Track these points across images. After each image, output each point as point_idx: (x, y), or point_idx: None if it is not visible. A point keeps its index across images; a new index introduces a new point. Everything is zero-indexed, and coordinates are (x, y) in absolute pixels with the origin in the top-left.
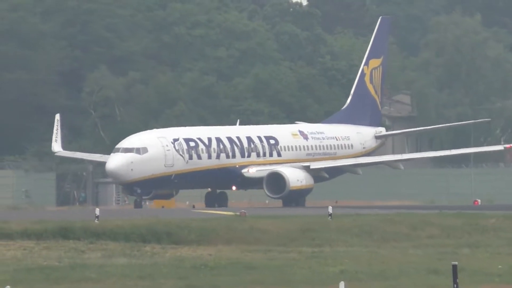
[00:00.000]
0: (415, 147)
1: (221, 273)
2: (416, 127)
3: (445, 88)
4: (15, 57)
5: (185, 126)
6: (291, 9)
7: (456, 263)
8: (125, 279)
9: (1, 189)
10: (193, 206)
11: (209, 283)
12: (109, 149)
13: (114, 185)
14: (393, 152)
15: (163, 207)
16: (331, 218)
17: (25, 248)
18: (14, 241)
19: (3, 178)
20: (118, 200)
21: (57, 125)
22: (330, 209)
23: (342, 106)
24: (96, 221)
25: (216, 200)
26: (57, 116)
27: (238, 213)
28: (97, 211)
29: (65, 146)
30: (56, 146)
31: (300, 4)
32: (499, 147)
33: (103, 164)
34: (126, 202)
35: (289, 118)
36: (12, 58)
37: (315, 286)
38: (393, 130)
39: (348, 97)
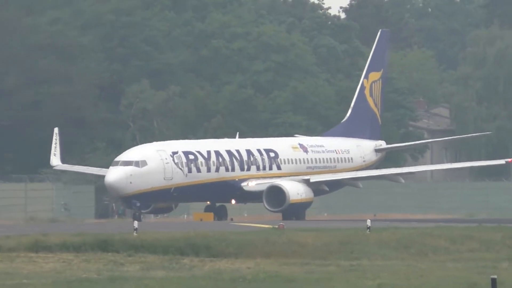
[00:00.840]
0: (454, 159)
1: (259, 286)
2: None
3: (483, 101)
4: (55, 70)
5: (223, 138)
6: (329, 22)
7: (495, 276)
8: None
9: (41, 201)
10: (231, 219)
11: None
12: None
13: None
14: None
15: (201, 220)
16: (369, 231)
17: (64, 260)
18: (53, 253)
19: (43, 191)
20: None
21: (55, 139)
22: (368, 222)
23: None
24: (134, 233)
25: (215, 213)
26: (56, 130)
27: (276, 226)
28: (136, 224)
29: (67, 160)
30: (55, 160)
31: (338, 17)
32: (501, 161)
33: (102, 177)
34: (165, 215)
35: (326, 130)
36: (52, 72)
37: None
38: (431, 144)
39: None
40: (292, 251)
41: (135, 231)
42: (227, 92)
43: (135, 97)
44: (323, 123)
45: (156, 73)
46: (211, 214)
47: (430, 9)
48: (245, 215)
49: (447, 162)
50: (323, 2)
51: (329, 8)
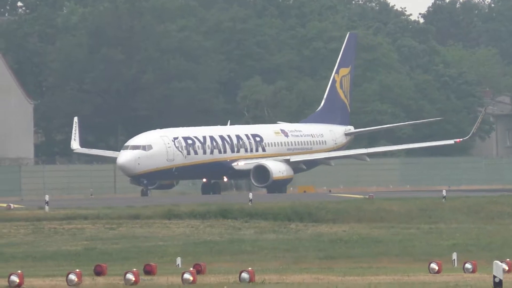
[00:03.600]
0: None
1: (354, 246)
2: None
3: None
4: (183, 69)
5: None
6: (410, 26)
7: None
8: (274, 251)
9: None
10: (330, 191)
11: (344, 254)
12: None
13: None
14: (497, 146)
15: (304, 191)
16: (444, 200)
17: (192, 226)
18: (183, 220)
19: None
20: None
21: (75, 127)
22: (444, 192)
23: (453, 107)
24: (249, 203)
25: (210, 189)
26: (75, 119)
27: (367, 196)
28: (250, 195)
29: (83, 144)
30: (75, 144)
31: (418, 22)
32: (450, 142)
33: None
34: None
35: (408, 117)
36: (181, 70)
37: (432, 257)
38: (496, 126)
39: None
40: (380, 216)
41: (250, 202)
42: (324, 85)
43: (249, 91)
44: (404, 110)
45: (267, 71)
46: (312, 187)
47: (494, 14)
48: (341, 187)
49: (509, 142)
50: (405, 9)
51: (410, 14)
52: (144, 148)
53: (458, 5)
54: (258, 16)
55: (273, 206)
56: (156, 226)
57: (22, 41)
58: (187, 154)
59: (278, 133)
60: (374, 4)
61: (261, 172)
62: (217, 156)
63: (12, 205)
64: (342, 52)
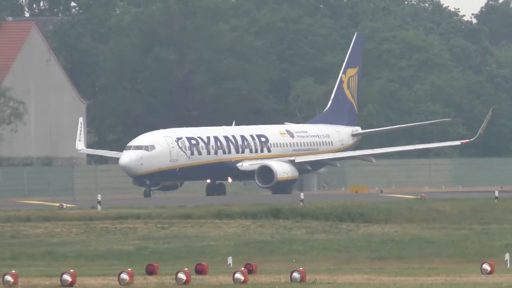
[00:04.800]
0: None
1: (405, 246)
2: None
3: None
4: (235, 69)
5: (373, 124)
6: (463, 27)
7: None
8: (325, 251)
9: None
10: (381, 191)
11: (395, 255)
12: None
13: (315, 174)
14: None
15: (356, 192)
16: (497, 200)
17: (244, 226)
18: (234, 220)
19: None
20: (319, 187)
21: (80, 127)
22: (496, 193)
23: (507, 107)
24: (301, 204)
25: (215, 190)
26: (80, 119)
27: (419, 197)
28: (302, 195)
29: (89, 145)
30: (80, 145)
31: (471, 22)
32: (457, 142)
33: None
34: (326, 188)
35: (460, 117)
36: (233, 70)
37: (485, 257)
38: None
39: None
40: (432, 217)
41: (301, 202)
42: (377, 85)
43: (300, 91)
44: (456, 111)
45: (318, 71)
46: (364, 187)
47: None
48: (393, 187)
49: None
50: (459, 10)
51: (464, 16)
52: (146, 148)
53: (511, 6)
54: (309, 16)
55: (325, 206)
56: (207, 226)
57: (75, 41)
58: (191, 155)
59: (283, 133)
60: (427, 4)
61: (266, 172)
62: (221, 156)
63: (65, 204)
64: (350, 53)
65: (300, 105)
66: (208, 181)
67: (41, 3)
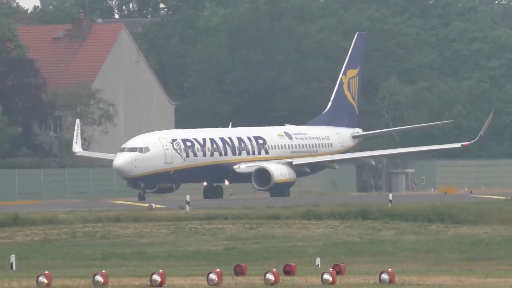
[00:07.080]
0: None
1: (496, 248)
2: None
3: None
4: (323, 70)
5: (461, 125)
6: None
7: None
8: (414, 252)
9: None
10: (471, 192)
11: (485, 256)
12: (401, 144)
13: (403, 174)
14: None
15: (445, 192)
16: None
17: (332, 226)
18: (322, 220)
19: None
20: (408, 187)
21: (77, 129)
22: None
23: None
24: (389, 204)
25: (213, 193)
26: (77, 121)
27: (509, 197)
28: (390, 196)
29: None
30: (76, 147)
31: None
32: (457, 145)
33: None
34: (415, 188)
35: None
36: (321, 71)
37: None
38: None
39: None
40: None
41: (390, 202)
42: (466, 86)
43: (388, 92)
44: None
45: (406, 71)
46: (454, 188)
47: None
48: (483, 188)
49: None
50: None
51: None
52: (141, 150)
53: None
54: (397, 15)
55: (413, 207)
56: (295, 227)
57: (164, 43)
58: (186, 157)
59: (282, 135)
60: None
61: (263, 175)
62: (217, 158)
63: (154, 205)
64: (350, 53)
65: (388, 105)
66: (205, 183)
67: (130, 5)
